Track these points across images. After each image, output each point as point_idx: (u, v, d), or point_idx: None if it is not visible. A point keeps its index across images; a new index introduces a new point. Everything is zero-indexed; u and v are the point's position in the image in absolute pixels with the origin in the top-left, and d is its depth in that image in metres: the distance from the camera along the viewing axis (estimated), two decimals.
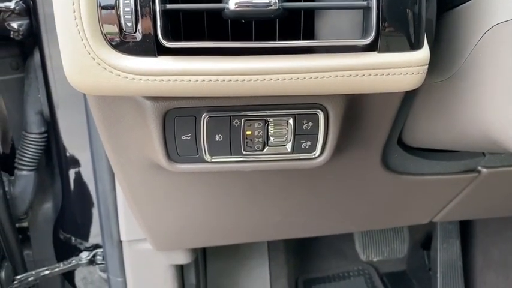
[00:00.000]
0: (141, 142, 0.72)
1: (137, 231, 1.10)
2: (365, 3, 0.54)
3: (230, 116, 0.66)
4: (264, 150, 0.70)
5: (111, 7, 0.51)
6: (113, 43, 0.53)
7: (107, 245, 1.21)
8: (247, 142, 0.69)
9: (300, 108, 0.67)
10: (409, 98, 0.73)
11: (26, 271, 1.38)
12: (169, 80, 0.54)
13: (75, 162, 1.39)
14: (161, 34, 0.52)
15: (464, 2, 0.59)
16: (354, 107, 0.70)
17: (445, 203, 1.09)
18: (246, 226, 1.07)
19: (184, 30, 0.55)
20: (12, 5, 1.20)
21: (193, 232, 1.05)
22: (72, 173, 1.40)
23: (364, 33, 0.55)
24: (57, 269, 1.36)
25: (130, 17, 0.51)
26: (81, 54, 0.52)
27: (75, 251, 1.43)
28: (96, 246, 1.42)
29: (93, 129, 1.08)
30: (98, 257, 1.37)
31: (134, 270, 1.22)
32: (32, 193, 1.41)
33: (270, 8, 0.51)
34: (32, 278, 1.35)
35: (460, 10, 0.60)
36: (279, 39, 0.56)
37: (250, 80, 0.54)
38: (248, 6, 0.51)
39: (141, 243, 1.17)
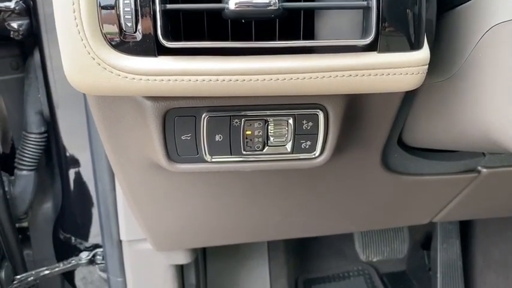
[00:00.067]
0: (141, 142, 0.72)
1: (137, 231, 1.10)
2: (365, 3, 0.54)
3: (230, 116, 0.66)
4: (264, 150, 0.70)
5: (111, 7, 0.51)
6: (113, 43, 0.53)
7: (106, 245, 1.21)
8: (247, 142, 0.69)
9: (300, 108, 0.67)
10: (409, 98, 0.73)
11: (25, 271, 1.38)
12: (169, 80, 0.54)
13: (75, 162, 1.39)
14: (161, 34, 0.52)
15: (464, 2, 0.59)
16: (354, 107, 0.70)
17: (445, 203, 1.09)
18: (246, 226, 1.07)
19: (184, 30, 0.55)
20: (12, 4, 1.20)
21: (193, 232, 1.05)
22: (72, 173, 1.40)
23: (364, 33, 0.55)
24: (57, 269, 1.36)
25: (130, 17, 0.51)
26: (81, 54, 0.52)
27: (75, 251, 1.43)
28: (96, 246, 1.42)
29: (93, 129, 1.08)
30: (98, 257, 1.37)
31: (134, 270, 1.22)
32: (32, 193, 1.41)
33: (270, 8, 0.51)
34: (31, 277, 1.35)
35: (460, 10, 0.60)
36: (279, 39, 0.56)
37: (250, 80, 0.54)
38: (248, 6, 0.51)
39: (141, 243, 1.17)
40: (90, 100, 0.67)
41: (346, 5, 0.55)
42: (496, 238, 1.66)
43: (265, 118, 0.68)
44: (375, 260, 1.86)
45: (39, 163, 1.40)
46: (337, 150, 0.72)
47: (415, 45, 0.55)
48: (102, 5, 0.51)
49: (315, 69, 0.55)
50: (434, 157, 0.90)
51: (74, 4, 0.50)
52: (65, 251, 1.47)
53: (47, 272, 1.36)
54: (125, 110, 0.67)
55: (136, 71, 0.53)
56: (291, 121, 0.68)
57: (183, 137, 0.68)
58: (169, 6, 0.52)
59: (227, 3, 0.51)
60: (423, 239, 1.88)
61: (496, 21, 0.53)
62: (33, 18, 1.24)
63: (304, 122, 0.68)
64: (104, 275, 1.35)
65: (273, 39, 0.56)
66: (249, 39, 0.55)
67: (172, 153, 0.70)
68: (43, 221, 1.51)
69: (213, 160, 0.70)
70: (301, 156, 0.72)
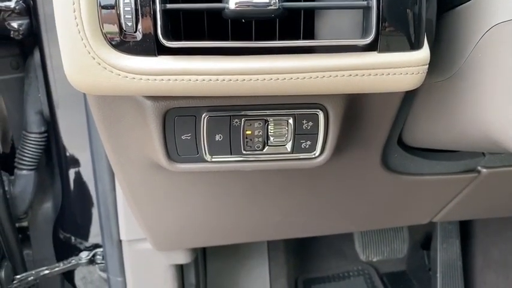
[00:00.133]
0: (141, 142, 0.72)
1: (137, 231, 1.11)
2: (365, 3, 0.54)
3: (230, 116, 0.66)
4: (264, 150, 0.70)
5: (112, 7, 0.51)
6: (113, 43, 0.53)
7: (106, 244, 1.21)
8: (247, 142, 0.69)
9: (300, 108, 0.67)
10: (409, 98, 0.73)
11: (25, 271, 1.38)
12: (169, 80, 0.54)
13: (75, 162, 1.39)
14: (161, 34, 0.52)
15: (464, 2, 0.59)
16: (354, 107, 0.70)
17: (444, 203, 1.09)
18: (246, 226, 1.07)
19: (184, 29, 0.55)
20: (12, 4, 1.20)
21: (193, 232, 1.05)
22: (72, 173, 1.40)
23: (364, 33, 0.55)
24: (57, 269, 1.36)
25: (130, 16, 0.52)
26: (81, 53, 0.52)
27: (75, 251, 1.43)
28: (96, 245, 1.42)
29: (93, 129, 1.08)
30: (98, 257, 1.37)
31: (134, 270, 1.22)
32: (32, 193, 1.41)
33: (270, 7, 0.51)
34: (31, 277, 1.35)
35: (460, 10, 0.60)
36: (279, 39, 0.56)
37: (250, 79, 0.54)
38: (248, 6, 0.51)
39: (141, 243, 1.17)
40: (90, 100, 0.67)
41: (346, 5, 0.55)
42: (496, 238, 1.67)
43: (265, 118, 0.68)
44: (374, 260, 1.86)
45: (39, 163, 1.40)
46: (337, 150, 0.72)
47: (415, 45, 0.55)
48: (102, 4, 0.51)
49: (315, 69, 0.55)
50: (434, 157, 0.90)
51: (74, 4, 0.50)
52: (64, 250, 1.47)
53: (46, 271, 1.36)
54: (125, 109, 0.68)
55: (137, 70, 0.53)
56: (291, 121, 0.68)
57: (183, 137, 0.68)
58: (169, 6, 0.52)
59: (227, 3, 0.51)
60: (423, 239, 1.88)
61: (496, 21, 0.53)
62: (33, 18, 1.24)
63: (304, 121, 0.68)
64: (103, 274, 1.35)
65: (273, 39, 0.56)
66: (249, 39, 0.55)
67: (172, 152, 0.70)
68: (43, 220, 1.51)
69: (213, 160, 0.70)
70: (301, 156, 0.72)
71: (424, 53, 0.56)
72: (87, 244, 1.43)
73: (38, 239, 1.53)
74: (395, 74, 0.56)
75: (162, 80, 0.54)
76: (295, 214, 1.03)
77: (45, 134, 1.39)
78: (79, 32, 0.51)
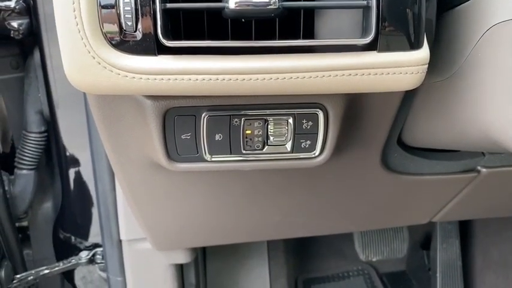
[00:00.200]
0: (141, 141, 0.72)
1: (137, 230, 1.11)
2: (365, 2, 0.54)
3: (230, 115, 0.66)
4: (264, 150, 0.70)
5: (112, 6, 0.51)
6: (113, 42, 0.53)
7: (106, 244, 1.21)
8: (247, 141, 0.69)
9: (300, 107, 0.67)
10: (408, 97, 0.73)
11: (25, 270, 1.38)
12: (169, 79, 0.54)
13: (75, 162, 1.39)
14: (161, 33, 0.52)
15: (464, 2, 0.59)
16: (354, 107, 0.70)
17: (444, 203, 1.09)
18: (246, 226, 1.07)
19: (184, 29, 0.55)
20: (12, 4, 1.20)
21: (193, 232, 1.05)
22: (72, 173, 1.40)
23: (364, 32, 0.55)
24: (56, 268, 1.36)
25: (130, 16, 0.52)
26: (81, 53, 0.52)
27: (75, 250, 1.43)
28: (96, 245, 1.42)
29: (93, 128, 1.08)
30: (98, 256, 1.37)
31: (134, 270, 1.22)
32: (31, 192, 1.41)
33: (270, 7, 0.51)
34: (31, 277, 1.35)
35: (460, 10, 0.60)
36: (279, 39, 0.56)
37: (250, 79, 0.54)
38: (248, 5, 0.51)
39: (141, 242, 1.17)
40: (90, 99, 0.67)
41: (346, 5, 0.55)
42: (495, 238, 1.67)
43: (265, 117, 0.68)
44: (374, 259, 1.86)
45: (39, 162, 1.40)
46: (337, 150, 0.73)
47: (415, 45, 0.55)
48: (102, 4, 0.51)
49: (314, 68, 0.55)
50: (434, 157, 0.90)
51: (74, 3, 0.50)
52: (64, 250, 1.47)
53: (46, 271, 1.36)
54: (125, 109, 0.68)
55: (137, 70, 0.53)
56: (290, 120, 0.68)
57: (183, 136, 0.68)
58: (169, 5, 0.52)
59: (227, 2, 0.51)
60: (423, 239, 1.88)
61: (496, 21, 0.53)
62: (33, 18, 1.24)
63: (304, 121, 0.68)
64: (103, 274, 1.35)
65: (273, 38, 0.56)
66: (249, 38, 0.55)
67: (172, 152, 0.70)
68: (43, 220, 1.51)
69: (213, 159, 0.70)
70: (301, 155, 0.72)
71: (423, 52, 0.56)
72: (87, 244, 1.43)
73: (38, 239, 1.53)
74: (395, 73, 0.56)
75: (162, 79, 0.54)
76: (294, 214, 1.03)
77: (45, 134, 1.39)
78: (79, 32, 0.51)
